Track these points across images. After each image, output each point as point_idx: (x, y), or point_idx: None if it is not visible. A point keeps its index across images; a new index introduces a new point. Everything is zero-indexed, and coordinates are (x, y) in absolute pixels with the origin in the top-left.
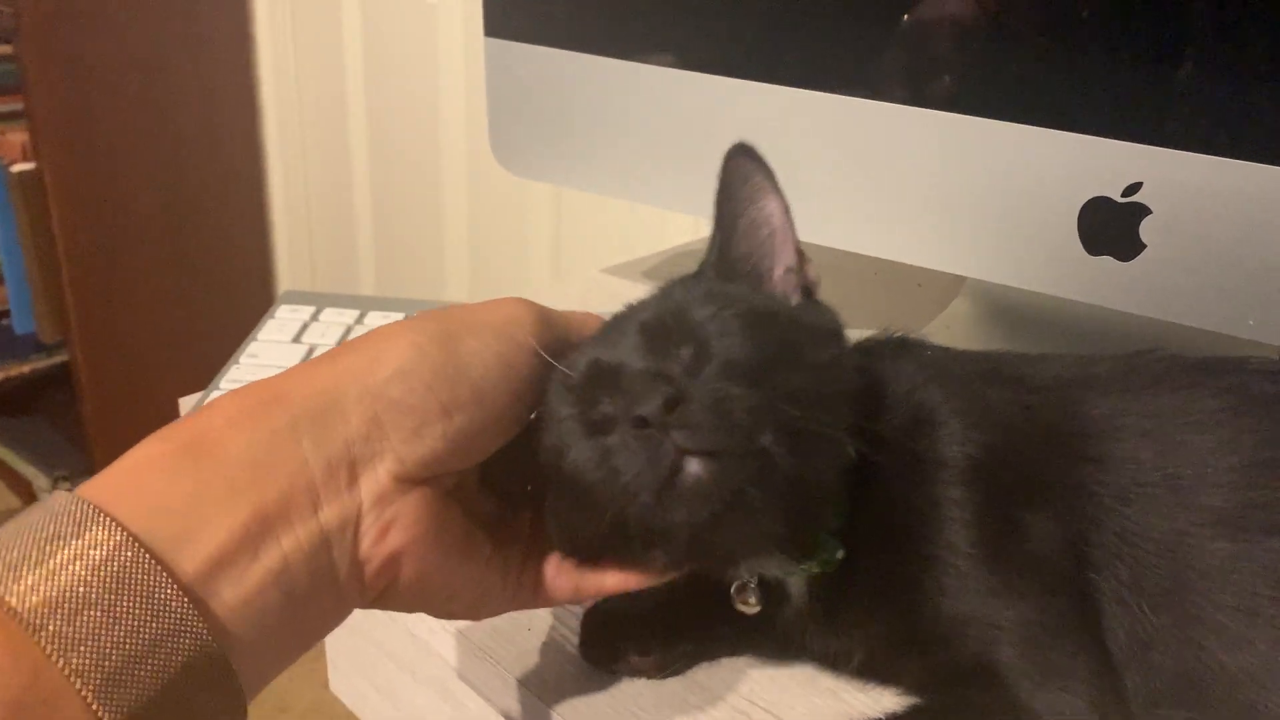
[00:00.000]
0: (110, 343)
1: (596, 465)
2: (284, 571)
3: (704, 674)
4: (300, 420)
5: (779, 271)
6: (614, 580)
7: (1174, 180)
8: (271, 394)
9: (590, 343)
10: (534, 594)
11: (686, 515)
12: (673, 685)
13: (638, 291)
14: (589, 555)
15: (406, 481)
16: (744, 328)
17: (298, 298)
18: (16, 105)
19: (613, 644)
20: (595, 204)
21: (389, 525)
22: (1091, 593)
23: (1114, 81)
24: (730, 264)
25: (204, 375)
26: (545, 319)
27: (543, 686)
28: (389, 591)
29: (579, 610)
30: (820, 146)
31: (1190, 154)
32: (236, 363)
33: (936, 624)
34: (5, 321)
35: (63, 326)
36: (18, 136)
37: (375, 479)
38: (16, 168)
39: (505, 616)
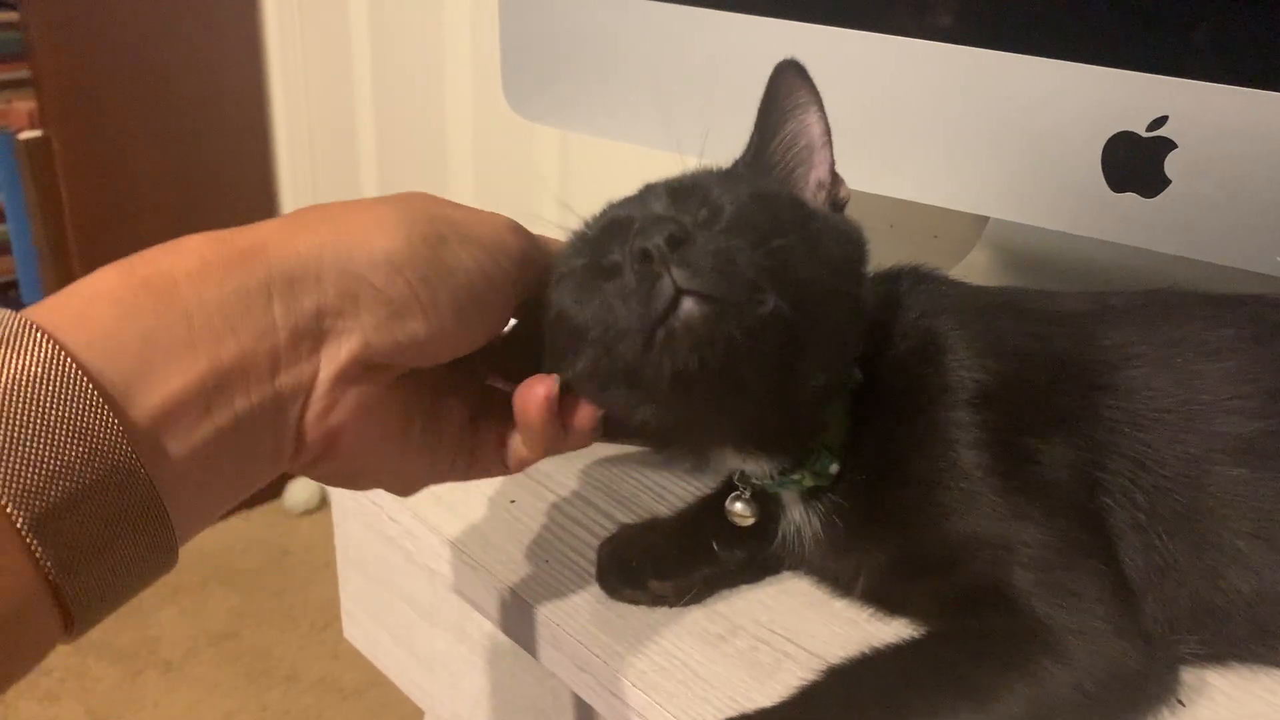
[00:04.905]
0: None
1: (596, 306)
2: (232, 431)
3: (723, 603)
4: (276, 280)
5: (811, 183)
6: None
7: (1200, 113)
8: (250, 246)
9: (612, 206)
10: (466, 470)
11: (674, 359)
12: (692, 614)
13: None
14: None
15: (364, 364)
16: (759, 198)
17: None
18: (23, 73)
19: (630, 571)
20: (602, 154)
21: (337, 401)
22: (1107, 519)
23: (1137, 11)
24: (763, 167)
25: None
26: (534, 251)
27: (563, 618)
28: (320, 462)
29: (597, 543)
30: (837, 84)
31: (1216, 85)
32: None
33: (943, 545)
34: (13, 292)
35: None
36: (25, 104)
37: (336, 355)
38: (23, 135)
39: (523, 550)
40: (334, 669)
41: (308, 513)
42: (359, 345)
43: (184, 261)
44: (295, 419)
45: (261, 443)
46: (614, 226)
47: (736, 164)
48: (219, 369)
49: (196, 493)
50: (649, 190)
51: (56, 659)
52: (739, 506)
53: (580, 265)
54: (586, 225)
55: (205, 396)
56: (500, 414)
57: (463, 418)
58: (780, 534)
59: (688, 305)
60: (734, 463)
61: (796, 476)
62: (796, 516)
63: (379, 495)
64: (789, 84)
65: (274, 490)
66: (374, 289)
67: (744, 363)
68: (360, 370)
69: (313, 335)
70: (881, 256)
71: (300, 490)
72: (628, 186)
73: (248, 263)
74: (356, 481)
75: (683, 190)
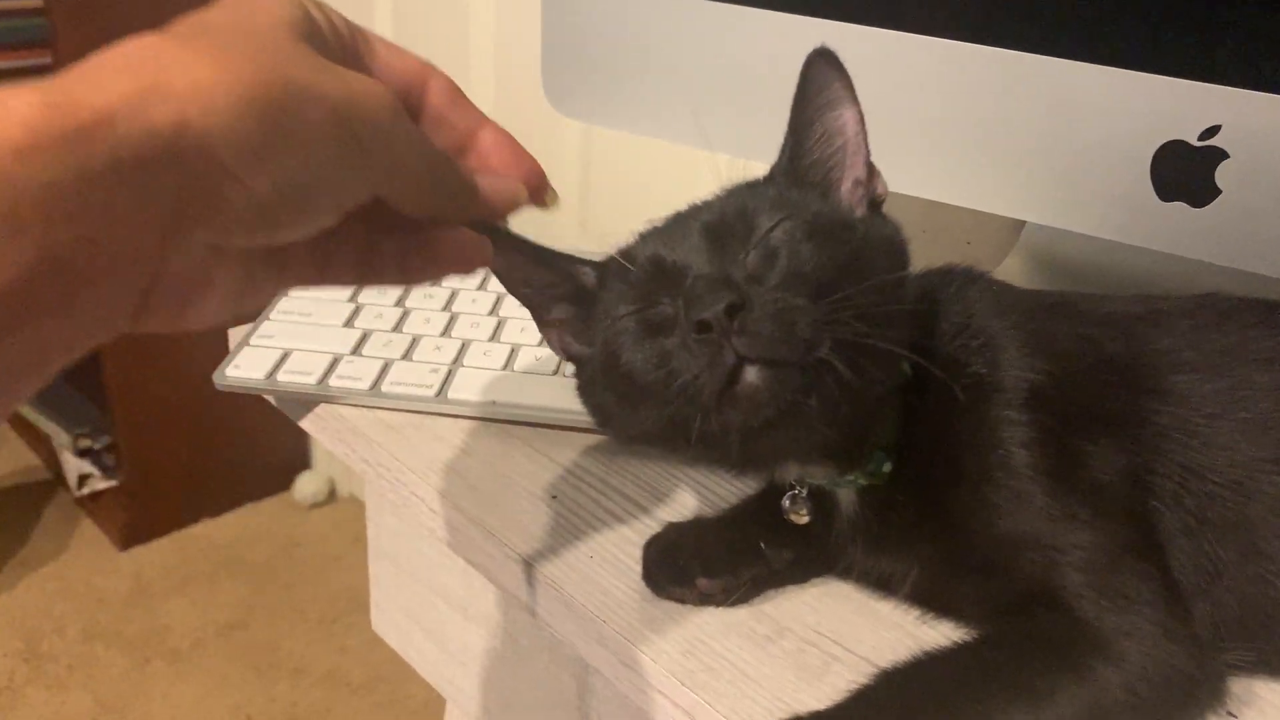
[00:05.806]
0: None
1: (655, 366)
2: (65, 322)
3: (769, 605)
4: (125, 162)
5: (847, 183)
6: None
7: (1253, 124)
8: (93, 116)
9: (651, 237)
10: (316, 281)
11: (741, 420)
12: (739, 614)
13: None
14: (631, 440)
15: (213, 249)
16: (809, 238)
17: None
18: (45, 60)
19: (677, 569)
20: (625, 147)
21: (181, 280)
22: (1157, 523)
23: (1192, 19)
24: (799, 171)
25: (223, 334)
26: (401, 143)
27: (609, 615)
28: (159, 326)
29: (639, 539)
30: (882, 85)
31: (1271, 96)
32: (268, 318)
33: (992, 546)
34: None
35: None
36: None
37: (186, 242)
38: None
39: (566, 546)
40: (342, 663)
41: (317, 505)
42: (209, 234)
43: (7, 132)
44: (134, 304)
45: (96, 327)
46: (662, 273)
47: (774, 171)
48: (53, 261)
49: (23, 381)
50: (689, 220)
51: (64, 647)
52: (795, 506)
53: (632, 315)
54: (628, 260)
55: (33, 291)
56: (349, 230)
57: (308, 247)
58: (833, 532)
59: (750, 373)
60: (795, 473)
61: (851, 477)
62: (850, 514)
63: (418, 488)
64: (821, 76)
65: (283, 483)
66: (235, 180)
67: (807, 408)
68: (208, 253)
69: (161, 223)
70: (913, 260)
71: (309, 483)
72: (648, 180)
73: (91, 137)
74: (193, 328)
75: (727, 225)
